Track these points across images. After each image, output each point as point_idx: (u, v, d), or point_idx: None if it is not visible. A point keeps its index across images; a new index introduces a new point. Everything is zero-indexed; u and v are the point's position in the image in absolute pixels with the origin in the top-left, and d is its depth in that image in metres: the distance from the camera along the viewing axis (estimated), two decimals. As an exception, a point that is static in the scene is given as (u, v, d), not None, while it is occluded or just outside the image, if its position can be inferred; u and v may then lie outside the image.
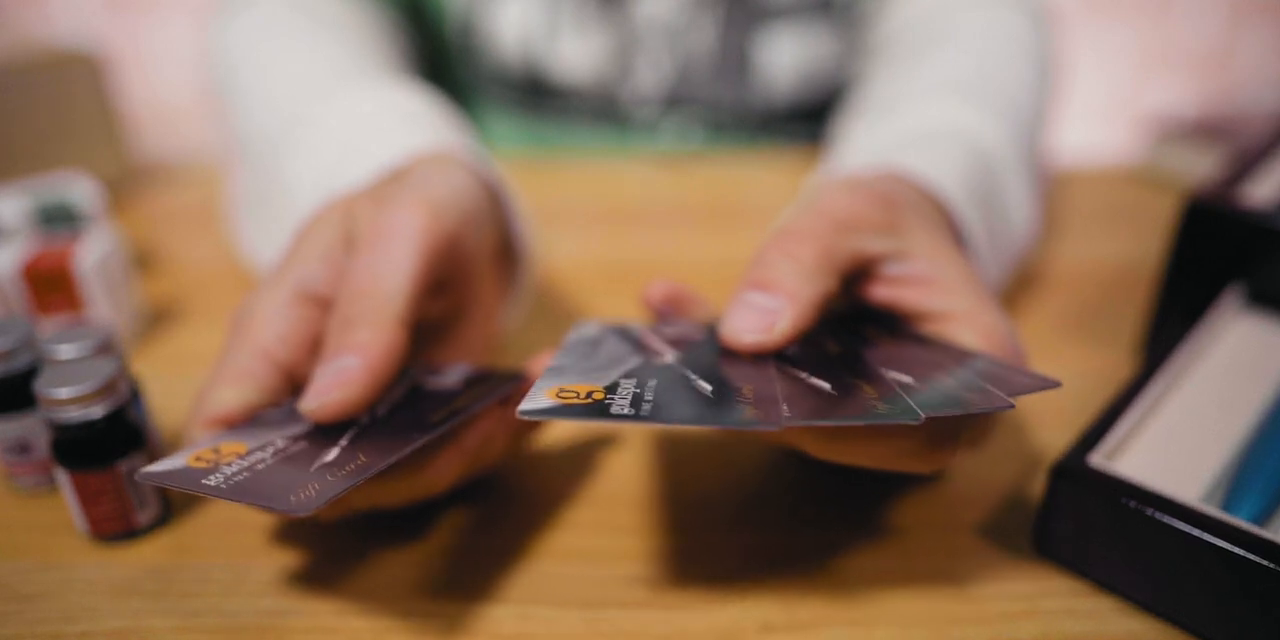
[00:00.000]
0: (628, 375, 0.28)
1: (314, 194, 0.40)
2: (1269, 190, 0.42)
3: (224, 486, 0.26)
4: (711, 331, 0.33)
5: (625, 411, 0.25)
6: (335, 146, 0.40)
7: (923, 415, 0.24)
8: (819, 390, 0.27)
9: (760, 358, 0.29)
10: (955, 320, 0.31)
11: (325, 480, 0.26)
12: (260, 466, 0.27)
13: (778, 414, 0.25)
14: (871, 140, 0.43)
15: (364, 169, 0.38)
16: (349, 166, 0.39)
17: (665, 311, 0.38)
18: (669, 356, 0.31)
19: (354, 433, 0.29)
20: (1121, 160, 0.70)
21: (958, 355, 0.30)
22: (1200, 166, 0.64)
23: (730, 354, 0.30)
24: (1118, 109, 1.87)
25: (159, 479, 0.27)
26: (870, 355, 0.30)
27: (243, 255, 0.54)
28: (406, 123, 0.40)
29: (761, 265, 0.30)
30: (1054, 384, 0.27)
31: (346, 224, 0.33)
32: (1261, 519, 0.29)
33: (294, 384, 0.32)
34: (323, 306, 0.32)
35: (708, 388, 0.27)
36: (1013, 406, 0.25)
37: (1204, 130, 0.66)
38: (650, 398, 0.26)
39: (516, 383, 0.33)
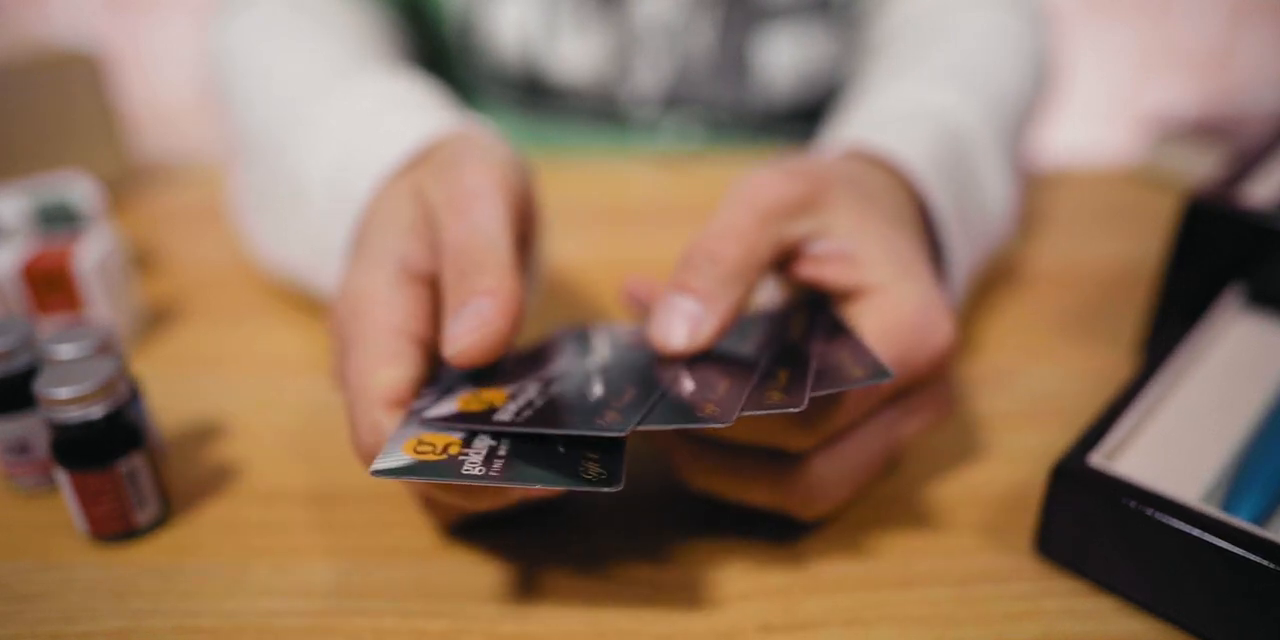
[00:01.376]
0: (547, 381, 0.30)
1: (326, 191, 0.40)
2: (1269, 190, 0.42)
3: (495, 474, 0.25)
4: None
5: (509, 417, 0.27)
6: (338, 146, 0.40)
7: (729, 422, 0.26)
8: (685, 391, 0.28)
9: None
10: (865, 297, 0.32)
11: (587, 458, 0.26)
12: (502, 452, 0.27)
13: (625, 422, 0.26)
14: (848, 123, 0.44)
15: (375, 163, 0.38)
16: (357, 162, 0.39)
17: (644, 302, 0.39)
18: (597, 358, 0.32)
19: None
20: (1121, 160, 0.70)
21: (823, 349, 0.30)
22: (1200, 166, 0.64)
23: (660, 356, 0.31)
24: (1118, 109, 1.87)
25: (400, 475, 0.26)
26: (762, 354, 0.31)
27: (249, 253, 0.54)
28: (416, 113, 0.40)
29: (688, 267, 0.31)
30: (883, 377, 0.27)
31: (419, 199, 0.33)
32: (1261, 519, 0.29)
33: (433, 359, 0.32)
34: (424, 283, 0.32)
35: (599, 392, 0.29)
36: (801, 407, 0.26)
37: (1204, 130, 0.66)
38: (540, 404, 0.28)
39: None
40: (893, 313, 0.31)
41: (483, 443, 0.27)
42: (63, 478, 0.32)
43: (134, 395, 0.35)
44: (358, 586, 0.31)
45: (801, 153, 0.70)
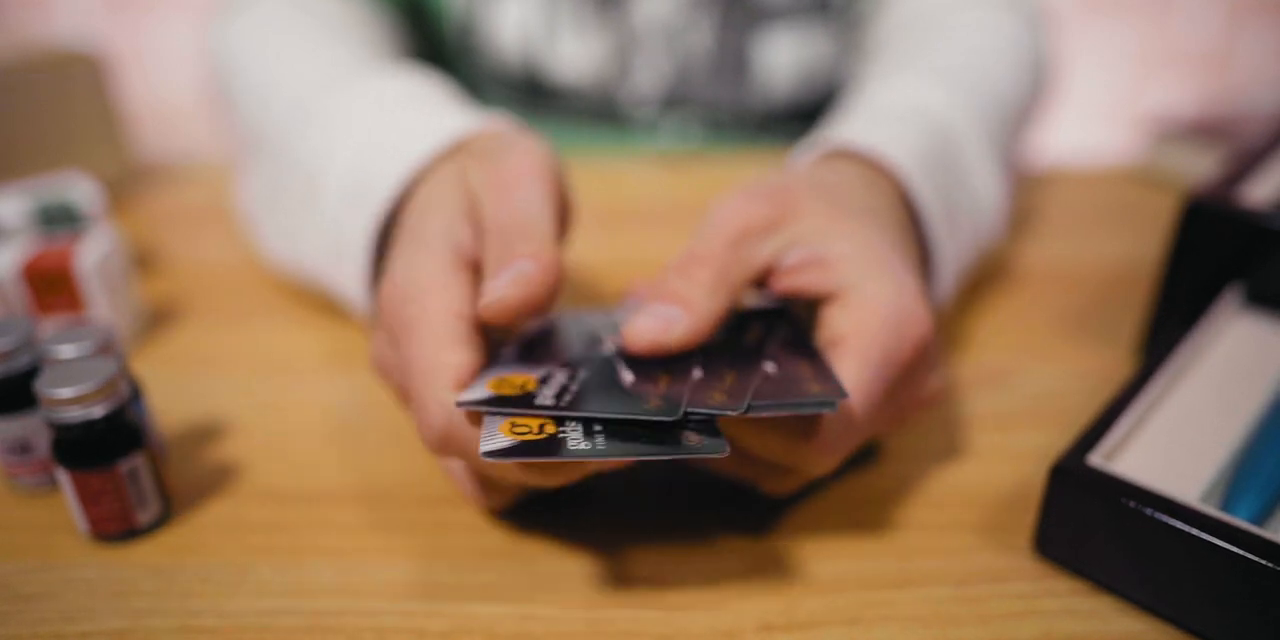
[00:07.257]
0: (567, 364, 0.31)
1: (342, 189, 0.40)
2: (1268, 190, 0.42)
3: (602, 448, 0.26)
4: None
5: (548, 402, 0.27)
6: (354, 145, 0.40)
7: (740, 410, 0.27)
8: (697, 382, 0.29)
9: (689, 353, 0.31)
10: (839, 298, 0.32)
11: (685, 429, 0.27)
12: (598, 427, 0.27)
13: (671, 407, 0.27)
14: (837, 123, 0.45)
15: (398, 162, 0.38)
16: (377, 161, 0.39)
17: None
18: (610, 344, 0.33)
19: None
20: (1121, 160, 0.70)
21: (782, 358, 0.31)
22: (1200, 166, 0.64)
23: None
24: (1118, 109, 1.87)
25: (510, 456, 0.26)
26: (722, 354, 0.32)
27: (256, 251, 0.54)
28: (439, 110, 0.40)
29: (662, 286, 0.32)
30: (832, 405, 0.27)
31: (463, 185, 0.34)
32: (1260, 519, 0.30)
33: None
34: (474, 269, 0.33)
35: (629, 378, 0.29)
36: (739, 411, 0.27)
37: (1204, 130, 0.66)
38: (576, 388, 0.29)
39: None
40: (868, 310, 0.31)
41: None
42: (63, 477, 0.32)
43: (135, 395, 0.35)
44: (358, 586, 0.31)
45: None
